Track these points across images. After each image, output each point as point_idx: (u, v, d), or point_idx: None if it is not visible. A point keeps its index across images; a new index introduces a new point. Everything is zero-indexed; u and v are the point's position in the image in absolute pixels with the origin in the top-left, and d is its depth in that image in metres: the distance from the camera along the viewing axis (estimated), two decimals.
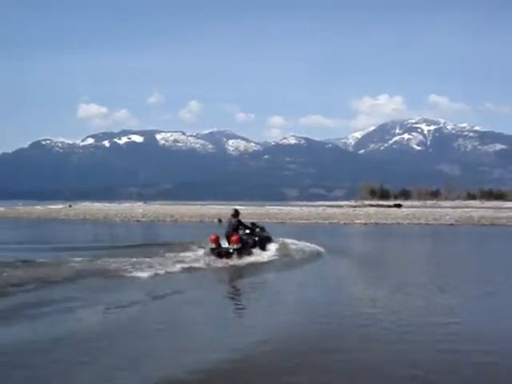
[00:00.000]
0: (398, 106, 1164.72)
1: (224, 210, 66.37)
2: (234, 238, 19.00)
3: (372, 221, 51.81)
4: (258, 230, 21.09)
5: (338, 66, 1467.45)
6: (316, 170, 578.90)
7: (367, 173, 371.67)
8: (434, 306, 11.90)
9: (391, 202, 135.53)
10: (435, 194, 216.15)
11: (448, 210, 73.12)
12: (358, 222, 50.88)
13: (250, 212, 60.13)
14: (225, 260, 18.30)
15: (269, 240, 21.19)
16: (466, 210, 77.85)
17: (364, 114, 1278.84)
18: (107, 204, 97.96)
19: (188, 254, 19.38)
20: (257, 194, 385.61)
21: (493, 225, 48.78)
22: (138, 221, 51.22)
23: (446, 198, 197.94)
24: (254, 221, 22.44)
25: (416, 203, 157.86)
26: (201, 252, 19.63)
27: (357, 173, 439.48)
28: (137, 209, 68.85)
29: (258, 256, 19.37)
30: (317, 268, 18.22)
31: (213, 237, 19.17)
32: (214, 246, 19.01)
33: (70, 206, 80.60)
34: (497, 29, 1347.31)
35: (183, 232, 35.94)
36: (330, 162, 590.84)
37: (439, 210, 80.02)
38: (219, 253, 18.77)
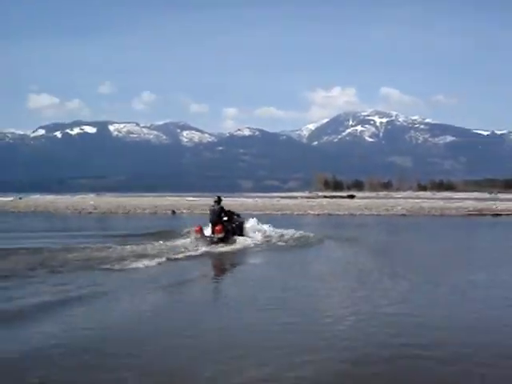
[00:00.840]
0: (351, 98, 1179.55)
1: (178, 201, 65.97)
2: (217, 227, 20.25)
3: (325, 211, 52.20)
4: (235, 216, 22.34)
5: (291, 57, 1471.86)
6: (270, 161, 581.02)
7: (321, 164, 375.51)
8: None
9: (344, 193, 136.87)
10: (387, 186, 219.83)
11: (400, 201, 74.28)
12: (312, 212, 51.18)
13: (204, 203, 59.94)
14: (214, 247, 19.42)
15: (242, 226, 22.58)
16: (417, 200, 79.22)
17: (317, 105, 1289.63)
18: (59, 196, 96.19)
19: (176, 242, 20.19)
20: (211, 186, 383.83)
21: (442, 215, 49.73)
22: (89, 213, 50.39)
23: (398, 189, 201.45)
24: (229, 209, 23.08)
25: (368, 194, 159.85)
26: (187, 240, 20.53)
27: (311, 164, 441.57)
28: (88, 201, 67.77)
29: (243, 242, 20.87)
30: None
31: (197, 228, 20.71)
32: (198, 235, 20.32)
33: (20, 198, 78.87)
34: (445, 20, 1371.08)
35: (140, 224, 35.55)
36: (284, 154, 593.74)
37: (391, 200, 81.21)
38: (210, 241, 20.02)
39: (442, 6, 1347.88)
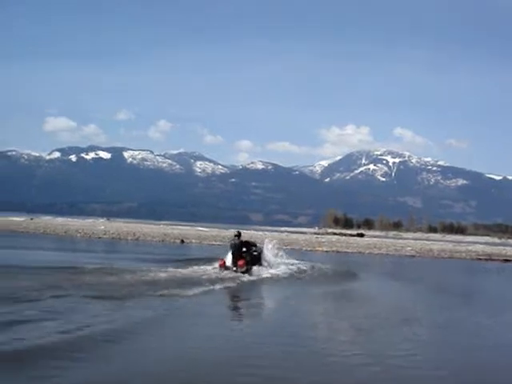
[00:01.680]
0: (365, 136, 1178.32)
1: (188, 230, 66.18)
2: (240, 262, 21.88)
3: (334, 249, 52.13)
4: (253, 248, 23.65)
5: (307, 94, 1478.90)
6: (282, 196, 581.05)
7: (332, 201, 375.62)
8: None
9: (354, 231, 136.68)
10: (397, 225, 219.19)
11: (409, 242, 74.10)
12: (320, 249, 51.16)
13: (214, 234, 60.10)
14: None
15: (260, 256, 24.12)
16: (427, 242, 79.01)
17: (331, 143, 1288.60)
18: (70, 219, 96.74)
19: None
20: (222, 217, 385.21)
21: (451, 258, 49.55)
22: (99, 238, 50.64)
23: (408, 230, 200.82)
24: (249, 240, 25.13)
25: (378, 233, 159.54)
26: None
27: (322, 201, 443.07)
28: (99, 225, 68.17)
29: (264, 273, 22.72)
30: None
31: (221, 262, 22.23)
32: (223, 269, 21.76)
33: (31, 219, 79.45)
34: (459, 63, 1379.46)
35: (151, 251, 35.73)
36: (296, 189, 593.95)
37: (400, 241, 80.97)
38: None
39: (458, 51, 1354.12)
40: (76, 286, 15.89)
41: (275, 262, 25.16)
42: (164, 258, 29.59)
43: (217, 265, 22.59)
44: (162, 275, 19.65)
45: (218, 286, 18.10)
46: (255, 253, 23.58)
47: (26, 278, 16.96)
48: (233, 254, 22.51)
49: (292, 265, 26.02)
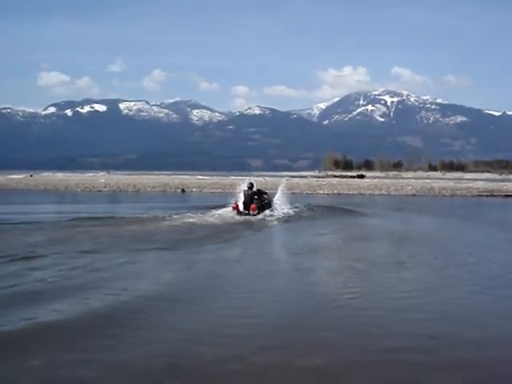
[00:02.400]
0: (362, 77, 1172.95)
1: (188, 179, 66.04)
2: (253, 206, 24.05)
3: (335, 191, 52.11)
4: (264, 195, 25.76)
5: (302, 37, 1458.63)
6: (281, 140, 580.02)
7: (331, 144, 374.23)
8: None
9: (354, 173, 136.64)
10: (397, 166, 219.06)
11: (410, 181, 73.99)
12: (321, 192, 51.12)
13: (214, 182, 59.99)
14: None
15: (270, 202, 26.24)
16: (427, 181, 78.94)
17: (328, 85, 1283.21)
18: (69, 174, 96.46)
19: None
20: (221, 164, 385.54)
21: (453, 195, 49.57)
22: (99, 191, 50.60)
23: (408, 169, 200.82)
24: (258, 188, 26.36)
25: (379, 174, 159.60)
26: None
27: (321, 144, 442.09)
28: (99, 179, 67.99)
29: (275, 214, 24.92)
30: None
31: (234, 204, 24.42)
32: (235, 211, 24.01)
33: (31, 175, 79.20)
34: (458, 2, 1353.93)
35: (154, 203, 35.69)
36: (294, 133, 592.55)
37: (401, 180, 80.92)
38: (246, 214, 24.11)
39: None
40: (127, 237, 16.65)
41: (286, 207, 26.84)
42: (176, 205, 30.55)
43: (230, 208, 24.56)
44: (191, 220, 21.44)
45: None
46: (266, 201, 25.54)
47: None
48: (244, 201, 24.49)
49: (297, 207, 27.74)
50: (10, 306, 8.60)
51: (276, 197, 27.78)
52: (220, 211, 24.44)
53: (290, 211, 26.05)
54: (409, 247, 16.38)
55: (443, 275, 11.86)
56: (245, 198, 24.73)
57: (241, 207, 24.46)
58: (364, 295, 9.80)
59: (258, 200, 24.78)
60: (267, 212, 24.67)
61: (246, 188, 25.05)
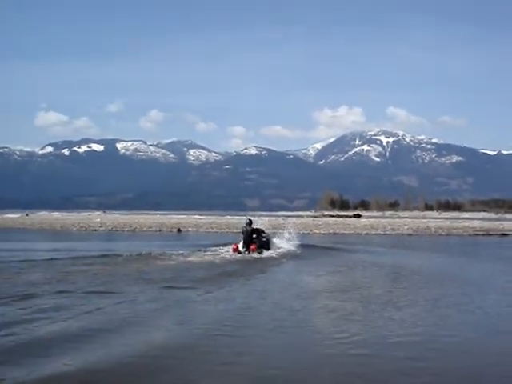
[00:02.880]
0: (358, 117, 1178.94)
1: (185, 219, 66.01)
2: (252, 247, 24.54)
3: (331, 231, 52.13)
4: (263, 234, 26.02)
5: (297, 77, 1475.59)
6: (277, 180, 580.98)
7: (327, 184, 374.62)
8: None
9: (351, 213, 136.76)
10: (394, 205, 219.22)
11: (406, 220, 74.16)
12: (317, 232, 51.11)
13: (210, 222, 59.96)
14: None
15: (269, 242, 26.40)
16: (424, 220, 79.07)
17: (324, 125, 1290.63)
18: (65, 213, 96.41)
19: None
20: (218, 204, 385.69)
21: (449, 235, 49.58)
22: (95, 230, 50.48)
23: (405, 209, 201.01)
24: (257, 227, 26.80)
25: (375, 214, 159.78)
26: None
27: (317, 184, 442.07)
28: (95, 218, 67.95)
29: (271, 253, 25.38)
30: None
31: (234, 246, 24.89)
32: (236, 253, 24.27)
33: (27, 214, 79.28)
34: (453, 41, 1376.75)
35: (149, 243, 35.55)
36: (290, 173, 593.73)
37: (397, 220, 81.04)
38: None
39: (451, 30, 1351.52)
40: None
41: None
42: (174, 244, 31.42)
43: (229, 249, 25.22)
44: (195, 259, 22.00)
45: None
46: (264, 239, 25.81)
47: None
48: (244, 240, 24.97)
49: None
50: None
51: (286, 237, 28.89)
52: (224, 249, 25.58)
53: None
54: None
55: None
56: (244, 235, 25.23)
57: (241, 247, 24.92)
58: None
59: (257, 239, 25.24)
60: (266, 253, 24.91)
61: (245, 224, 25.63)
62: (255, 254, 24.10)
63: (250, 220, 26.07)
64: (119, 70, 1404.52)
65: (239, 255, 23.85)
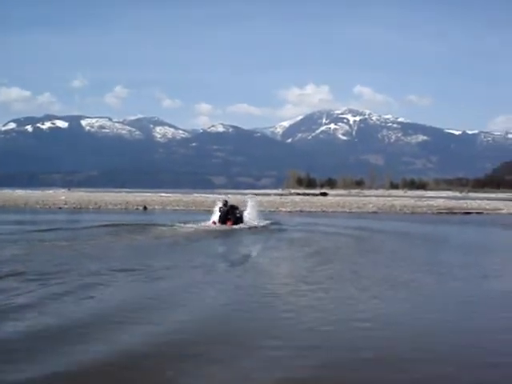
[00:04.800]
0: (325, 95, 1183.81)
1: (150, 197, 65.50)
2: (229, 223, 28.38)
3: (298, 208, 52.30)
4: (236, 211, 29.55)
5: (265, 55, 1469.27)
6: (244, 158, 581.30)
7: (295, 162, 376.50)
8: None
9: (317, 191, 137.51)
10: (360, 184, 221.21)
11: (372, 199, 74.77)
12: (284, 209, 51.23)
13: (176, 199, 59.65)
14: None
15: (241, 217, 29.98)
16: (389, 198, 79.92)
17: (291, 103, 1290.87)
18: (29, 191, 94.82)
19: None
20: (185, 182, 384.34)
21: (413, 213, 50.16)
22: (59, 208, 49.75)
23: (370, 187, 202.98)
24: (233, 204, 30.59)
25: (341, 192, 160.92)
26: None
27: (285, 162, 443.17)
28: (60, 196, 66.99)
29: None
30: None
31: (213, 220, 28.93)
32: (215, 224, 28.46)
33: None
34: (421, 21, 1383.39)
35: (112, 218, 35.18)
36: (258, 151, 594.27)
37: (363, 198, 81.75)
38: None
39: (417, 9, 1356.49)
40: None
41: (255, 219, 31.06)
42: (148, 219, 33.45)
43: (210, 222, 28.87)
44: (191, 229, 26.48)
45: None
46: (238, 214, 29.38)
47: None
48: (221, 217, 28.72)
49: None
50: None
51: (246, 212, 31.24)
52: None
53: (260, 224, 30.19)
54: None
55: None
56: (221, 214, 29.00)
57: (217, 221, 28.86)
58: None
59: (232, 215, 28.98)
60: (240, 225, 28.70)
61: (222, 205, 29.50)
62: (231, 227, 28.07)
63: (225, 201, 30.29)
64: (82, 44, 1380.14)
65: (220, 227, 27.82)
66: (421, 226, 36.05)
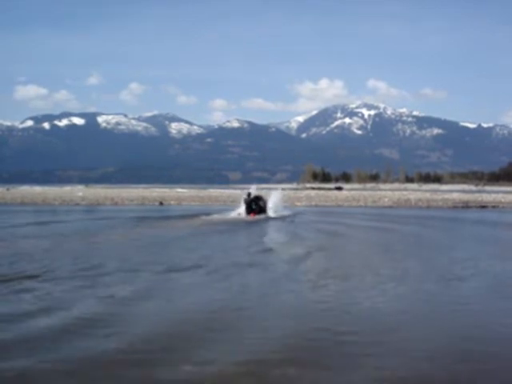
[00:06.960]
0: (339, 90, 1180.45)
1: (165, 192, 66.07)
2: (252, 214, 30.00)
3: (313, 203, 52.45)
4: (261, 201, 31.44)
5: (279, 49, 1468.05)
6: (259, 153, 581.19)
7: (309, 156, 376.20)
8: None
9: (332, 185, 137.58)
10: (375, 177, 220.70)
11: (387, 193, 74.77)
12: (299, 204, 51.42)
13: (192, 195, 60.10)
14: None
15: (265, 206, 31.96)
16: (404, 192, 79.85)
17: (305, 98, 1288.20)
18: (47, 188, 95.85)
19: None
20: (200, 177, 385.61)
21: (429, 207, 50.13)
22: (77, 204, 50.39)
23: (385, 181, 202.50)
24: (257, 195, 32.55)
25: (356, 186, 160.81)
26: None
27: (299, 156, 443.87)
28: (77, 192, 67.78)
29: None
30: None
31: (240, 211, 30.83)
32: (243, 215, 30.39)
33: (7, 189, 78.72)
34: (434, 15, 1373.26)
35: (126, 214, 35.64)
36: (272, 146, 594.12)
37: (378, 192, 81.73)
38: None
39: (430, 2, 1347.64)
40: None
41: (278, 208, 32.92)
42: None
43: (236, 213, 30.83)
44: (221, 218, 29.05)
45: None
46: (262, 205, 31.31)
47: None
48: (246, 208, 30.69)
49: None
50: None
51: (270, 204, 32.75)
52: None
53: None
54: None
55: None
56: (246, 204, 31.10)
57: (243, 212, 30.80)
58: None
59: (257, 206, 30.93)
60: (262, 216, 30.27)
61: (246, 196, 31.69)
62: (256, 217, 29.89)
63: (249, 193, 32.08)
64: (98, 42, 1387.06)
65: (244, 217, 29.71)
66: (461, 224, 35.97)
